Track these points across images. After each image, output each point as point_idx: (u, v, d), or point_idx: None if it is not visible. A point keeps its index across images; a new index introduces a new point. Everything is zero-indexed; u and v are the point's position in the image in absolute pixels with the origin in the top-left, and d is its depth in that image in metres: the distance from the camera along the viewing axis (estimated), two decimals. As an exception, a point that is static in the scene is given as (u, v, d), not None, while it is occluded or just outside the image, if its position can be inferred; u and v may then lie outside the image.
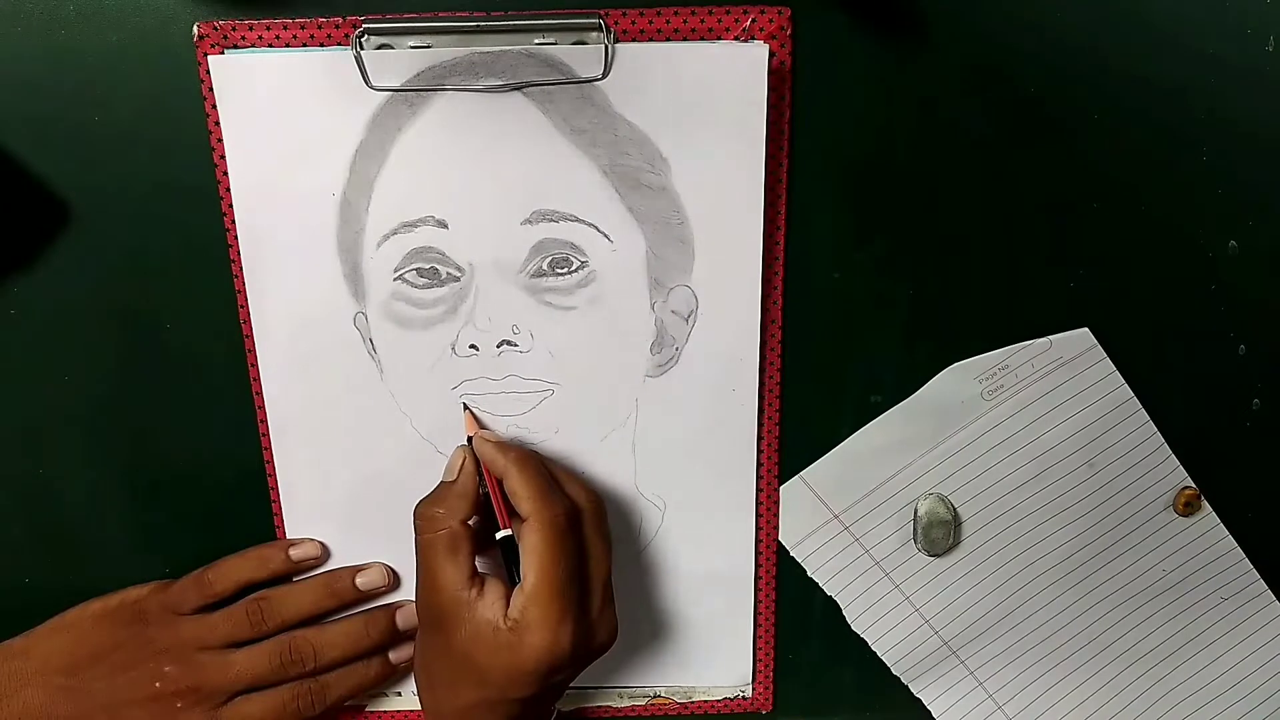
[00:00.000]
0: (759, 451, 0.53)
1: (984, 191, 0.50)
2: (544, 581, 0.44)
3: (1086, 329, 0.52)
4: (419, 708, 0.50)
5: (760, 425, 0.52)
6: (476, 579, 0.46)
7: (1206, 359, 0.53)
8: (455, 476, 0.48)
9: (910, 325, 0.52)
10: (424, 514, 0.47)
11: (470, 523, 0.47)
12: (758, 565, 0.55)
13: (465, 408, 0.50)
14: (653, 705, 0.58)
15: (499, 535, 0.47)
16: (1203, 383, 0.53)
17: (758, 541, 0.54)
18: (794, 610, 0.56)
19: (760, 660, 0.57)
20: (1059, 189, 0.50)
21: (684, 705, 0.58)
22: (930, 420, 0.53)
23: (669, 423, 0.51)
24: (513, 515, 0.47)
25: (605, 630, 0.48)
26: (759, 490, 0.53)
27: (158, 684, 0.50)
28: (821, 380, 0.52)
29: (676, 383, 0.51)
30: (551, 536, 0.44)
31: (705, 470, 0.53)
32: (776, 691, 0.58)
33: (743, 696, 0.58)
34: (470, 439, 0.49)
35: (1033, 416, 0.53)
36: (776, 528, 0.54)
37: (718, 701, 0.58)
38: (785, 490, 0.54)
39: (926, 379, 0.52)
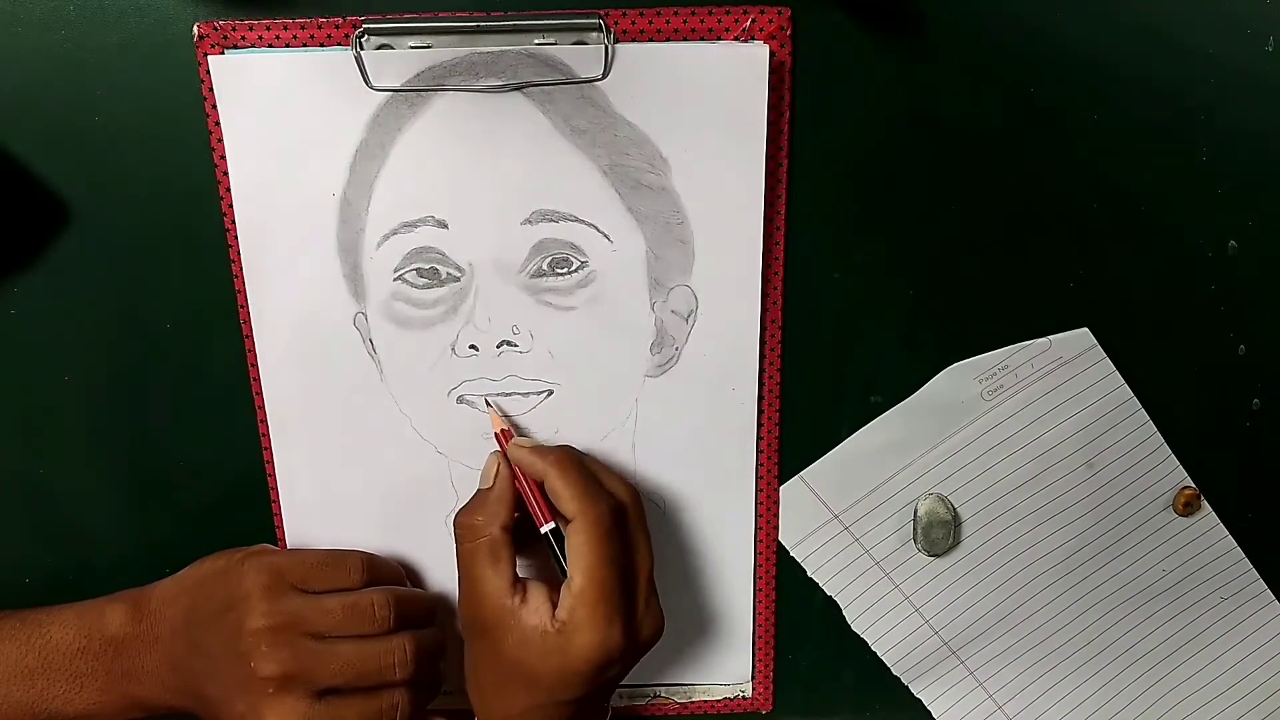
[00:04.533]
0: (759, 451, 0.53)
1: (984, 191, 0.50)
2: (591, 581, 0.44)
3: (1086, 329, 0.52)
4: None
5: (760, 425, 0.52)
6: (519, 584, 0.45)
7: (1206, 359, 0.53)
8: (492, 483, 0.48)
9: (910, 325, 0.52)
10: (464, 523, 0.47)
11: (508, 528, 0.46)
12: (757, 565, 0.55)
13: (488, 404, 0.50)
14: (653, 705, 0.57)
15: (544, 529, 0.46)
16: (1203, 383, 0.53)
17: (757, 542, 0.54)
18: (794, 610, 0.56)
19: (760, 660, 0.57)
20: (1058, 189, 0.50)
21: (684, 705, 0.58)
22: (930, 420, 0.53)
23: (669, 423, 0.51)
24: (554, 513, 0.47)
25: (651, 624, 0.47)
26: (759, 490, 0.53)
27: (251, 664, 0.46)
28: (821, 380, 0.52)
29: (676, 383, 0.51)
30: (597, 536, 0.44)
31: (705, 470, 0.53)
32: (776, 691, 0.58)
33: (743, 696, 0.58)
34: (498, 442, 0.49)
35: (1033, 416, 0.53)
36: (776, 528, 0.54)
37: (717, 701, 0.58)
38: (785, 490, 0.54)
39: (926, 379, 0.52)
